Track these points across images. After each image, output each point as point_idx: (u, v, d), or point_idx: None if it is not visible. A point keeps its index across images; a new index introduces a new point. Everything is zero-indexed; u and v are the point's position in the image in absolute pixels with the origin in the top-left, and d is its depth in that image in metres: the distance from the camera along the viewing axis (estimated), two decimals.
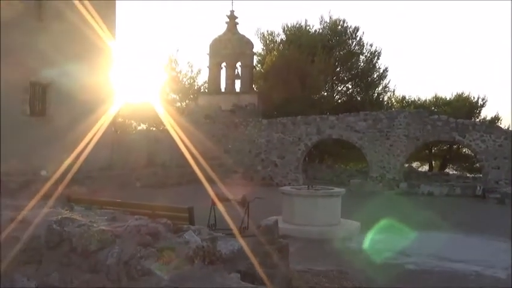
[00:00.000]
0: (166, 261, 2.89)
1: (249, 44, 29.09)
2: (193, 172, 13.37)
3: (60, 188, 12.28)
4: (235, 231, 7.45)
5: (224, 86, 29.34)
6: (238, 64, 29.14)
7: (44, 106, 16.47)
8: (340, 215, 10.46)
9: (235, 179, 21.64)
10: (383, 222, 10.78)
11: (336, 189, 10.81)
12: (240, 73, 29.22)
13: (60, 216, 3.28)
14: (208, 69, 29.45)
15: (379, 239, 9.68)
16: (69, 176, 12.28)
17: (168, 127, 17.93)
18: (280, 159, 22.59)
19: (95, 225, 3.17)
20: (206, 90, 30.95)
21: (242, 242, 4.07)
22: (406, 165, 23.70)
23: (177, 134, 16.45)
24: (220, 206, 8.57)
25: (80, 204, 5.15)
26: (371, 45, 32.15)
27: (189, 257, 2.91)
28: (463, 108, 28.64)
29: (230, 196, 9.45)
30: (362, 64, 32.05)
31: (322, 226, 9.95)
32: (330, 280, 5.55)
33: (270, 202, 11.13)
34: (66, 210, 3.64)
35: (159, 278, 2.82)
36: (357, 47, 32.00)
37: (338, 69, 31.79)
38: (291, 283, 4.82)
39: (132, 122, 32.19)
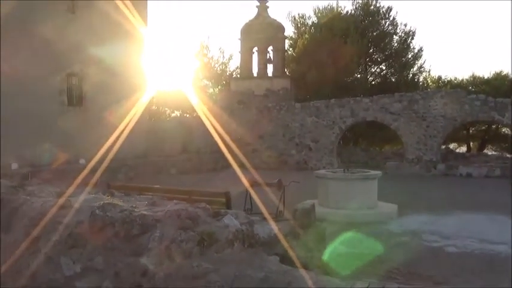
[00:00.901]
0: (206, 245, 2.93)
1: (281, 28, 28.89)
2: (228, 158, 13.46)
3: (99, 176, 12.58)
4: (272, 215, 7.48)
5: (256, 70, 29.28)
6: (270, 48, 29.01)
7: (80, 97, 16.79)
8: (377, 198, 10.37)
9: (269, 163, 21.69)
10: (421, 203, 10.65)
11: (372, 172, 10.70)
12: (271, 57, 29.08)
13: (102, 202, 3.35)
14: (239, 54, 29.42)
15: (419, 221, 9.56)
16: (107, 164, 12.55)
17: (200, 114, 18.06)
18: (314, 143, 22.49)
19: (136, 210, 3.22)
20: (238, 76, 30.95)
21: (279, 225, 4.08)
22: (443, 146, 23.24)
23: (210, 120, 16.54)
24: (255, 191, 8.60)
25: (118, 191, 5.24)
26: (405, 25, 31.62)
27: (228, 241, 2.94)
28: (502, 87, 27.80)
29: (265, 180, 9.46)
30: (396, 44, 31.45)
31: (359, 209, 9.89)
32: (368, 263, 5.52)
33: (305, 186, 11.11)
34: (108, 196, 3.71)
35: (200, 261, 2.86)
36: (390, 27, 31.40)
37: (371, 50, 31.31)
38: (327, 266, 4.81)
39: (166, 109, 32.54)
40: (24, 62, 14.00)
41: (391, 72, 32.07)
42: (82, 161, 14.29)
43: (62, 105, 15.87)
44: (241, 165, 12.45)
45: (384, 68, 32.36)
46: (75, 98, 16.59)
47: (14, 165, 13.49)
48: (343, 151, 24.71)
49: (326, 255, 3.32)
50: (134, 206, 3.36)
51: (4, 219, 3.71)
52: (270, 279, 2.72)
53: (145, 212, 3.18)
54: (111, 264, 3.16)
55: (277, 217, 7.17)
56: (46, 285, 3.46)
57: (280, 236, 3.80)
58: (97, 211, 3.25)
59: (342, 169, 10.97)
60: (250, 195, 8.80)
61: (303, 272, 2.80)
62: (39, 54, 14.46)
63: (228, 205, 6.57)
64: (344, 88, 26.02)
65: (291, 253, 3.85)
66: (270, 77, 28.91)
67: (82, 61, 15.97)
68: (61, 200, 3.51)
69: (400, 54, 31.08)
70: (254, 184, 8.88)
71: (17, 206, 3.65)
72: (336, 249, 3.32)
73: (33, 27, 14.16)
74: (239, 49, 29.36)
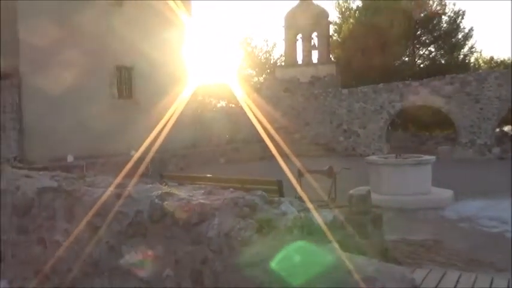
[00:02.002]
0: (265, 232, 2.91)
1: (325, 13, 28.50)
2: (275, 146, 13.43)
3: (150, 166, 12.83)
4: (324, 202, 7.42)
5: (301, 58, 29.05)
6: (314, 35, 28.68)
7: (130, 89, 17.13)
8: (430, 184, 10.11)
9: (317, 151, 21.53)
10: (477, 188, 10.30)
11: (425, 157, 10.44)
12: (316, 44, 28.77)
13: (160, 192, 3.39)
14: (284, 42, 29.25)
15: (476, 206, 9.27)
16: (157, 155, 12.76)
17: (243, 104, 18.09)
18: (362, 129, 22.15)
19: (193, 199, 3.24)
20: (283, 64, 30.80)
21: (334, 212, 4.03)
22: (498, 129, 22.42)
23: (254, 109, 16.53)
24: (305, 179, 8.55)
25: (171, 181, 5.30)
26: (454, 5, 30.52)
27: (287, 228, 2.91)
28: None
29: (315, 168, 9.39)
30: (445, 25, 30.46)
31: (413, 195, 9.68)
32: (426, 250, 5.39)
33: (356, 173, 10.96)
34: (165, 185, 3.75)
35: (260, 249, 2.85)
36: (438, 8, 30.42)
37: (419, 32, 30.44)
38: (387, 253, 4.72)
39: (211, 100, 32.79)
40: (75, 56, 14.37)
41: (440, 53, 31.14)
42: (133, 152, 14.59)
43: (113, 97, 16.24)
44: (288, 154, 12.40)
45: (432, 49, 31.46)
46: (125, 90, 16.94)
47: (70, 158, 13.93)
48: (392, 137, 24.24)
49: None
50: (191, 195, 3.38)
51: (67, 210, 3.82)
52: (327, 267, 2.68)
53: (203, 201, 3.19)
54: (171, 253, 3.21)
55: (330, 204, 7.11)
56: (109, 273, 3.55)
57: (338, 223, 3.75)
58: (156, 200, 3.29)
59: (394, 155, 10.75)
60: (301, 183, 8.75)
61: (362, 259, 2.74)
62: (89, 48, 14.81)
63: (280, 193, 6.56)
64: (391, 72, 25.46)
65: (349, 240, 3.80)
66: (315, 63, 28.62)
67: (130, 53, 16.26)
68: (120, 190, 3.58)
69: (449, 34, 30.12)
70: (304, 172, 8.84)
71: (78, 196, 3.74)
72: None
73: (82, 22, 14.51)
74: (283, 37, 29.19)
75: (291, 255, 3.24)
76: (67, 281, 3.80)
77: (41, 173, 4.76)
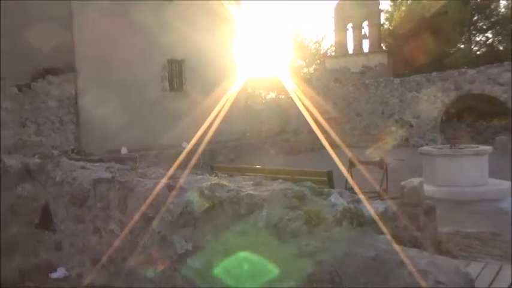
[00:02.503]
0: (314, 223, 2.90)
1: (376, 2, 27.92)
2: (326, 137, 13.32)
3: (201, 157, 13.01)
4: (375, 194, 7.31)
5: (351, 47, 28.63)
6: (365, 23, 28.17)
7: (180, 82, 17.40)
8: (487, 175, 9.75)
9: (369, 141, 21.19)
10: None
11: (482, 147, 10.07)
12: (367, 33, 28.26)
13: (210, 183, 3.43)
14: (334, 32, 28.90)
15: None
16: (207, 146, 12.93)
17: (293, 95, 18.00)
18: (415, 119, 21.62)
19: (242, 190, 3.26)
20: (333, 54, 30.46)
21: (386, 204, 3.95)
22: None
23: (304, 100, 16.43)
24: (356, 170, 8.45)
25: (221, 172, 5.35)
26: None
27: (337, 219, 2.88)
28: None
29: (366, 159, 9.26)
30: (503, 10, 29.18)
31: (468, 187, 9.36)
32: (483, 242, 5.21)
33: (408, 164, 10.73)
34: (214, 176, 3.80)
35: (309, 240, 2.84)
36: None
37: (475, 18, 29.30)
38: (440, 246, 4.60)
39: (261, 91, 32.85)
40: (127, 52, 14.72)
41: (498, 40, 29.86)
42: (184, 144, 14.84)
43: (164, 90, 16.54)
44: (339, 145, 12.27)
45: (490, 36, 30.22)
46: (176, 83, 17.22)
47: (124, 150, 14.33)
48: (447, 127, 23.53)
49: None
50: (240, 186, 3.40)
51: (120, 200, 3.93)
52: (381, 259, 2.64)
53: (252, 192, 3.21)
54: (221, 243, 3.25)
55: (381, 196, 6.99)
56: (160, 262, 3.64)
57: (389, 215, 3.68)
58: (206, 191, 3.33)
59: (449, 145, 10.44)
60: (351, 174, 8.66)
61: (415, 251, 2.68)
62: (141, 42, 15.13)
63: (330, 184, 6.50)
64: (446, 60, 24.65)
65: (401, 232, 3.72)
66: (365, 53, 28.15)
67: (181, 47, 16.50)
68: (171, 181, 3.64)
69: (508, 20, 28.79)
70: (355, 163, 8.73)
71: (131, 187, 3.84)
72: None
73: (135, 17, 14.83)
74: (333, 27, 28.84)
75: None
76: (122, 269, 3.92)
77: (96, 164, 4.92)
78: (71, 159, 5.42)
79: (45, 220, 4.53)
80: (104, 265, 4.04)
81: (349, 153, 9.40)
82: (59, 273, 4.34)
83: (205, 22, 17.28)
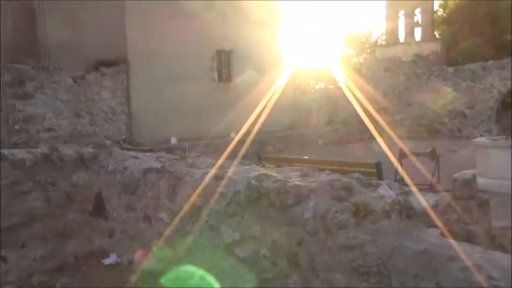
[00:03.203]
0: (362, 215, 2.86)
1: None
2: (375, 128, 13.11)
3: (249, 148, 13.08)
4: (426, 186, 7.15)
5: (403, 35, 27.94)
6: (418, 11, 27.40)
7: (229, 72, 17.51)
8: None
9: (420, 132, 20.70)
10: None
11: None
12: (419, 20, 27.49)
13: (257, 173, 3.44)
14: (385, 20, 28.29)
15: None
16: (255, 136, 12.97)
17: (342, 85, 17.77)
18: (469, 110, 20.91)
19: (289, 180, 3.26)
20: (384, 43, 29.84)
21: (437, 196, 3.86)
22: None
23: (354, 90, 16.20)
24: (407, 161, 8.28)
25: (269, 162, 5.36)
26: None
27: (385, 212, 2.83)
28: None
29: (417, 150, 9.05)
30: None
31: None
32: None
33: (460, 155, 10.41)
34: (262, 167, 3.81)
35: (356, 232, 2.81)
36: None
37: None
38: (494, 240, 4.45)
39: (310, 82, 32.61)
40: (177, 43, 14.94)
41: None
42: (233, 134, 14.96)
43: (213, 81, 16.70)
44: (389, 135, 12.04)
45: None
46: (224, 74, 17.35)
47: (174, 140, 14.58)
48: (503, 117, 22.62)
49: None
50: (287, 176, 3.39)
51: (170, 189, 4.00)
52: (430, 252, 2.58)
53: (299, 183, 3.20)
54: (267, 233, 3.26)
55: (433, 188, 6.83)
56: (208, 250, 3.69)
57: (441, 208, 3.60)
58: (253, 181, 3.35)
59: (505, 136, 10.04)
60: (401, 165, 8.49)
61: (467, 245, 2.60)
62: (191, 34, 15.30)
63: (379, 175, 6.40)
64: (503, 48, 23.68)
65: (453, 225, 3.63)
66: (418, 41, 27.40)
67: (230, 38, 16.59)
68: (219, 171, 3.68)
69: None
70: (405, 154, 8.55)
71: (181, 177, 3.91)
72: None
73: (185, 7, 14.99)
74: (384, 14, 28.22)
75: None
76: (171, 256, 4.01)
77: (146, 154, 5.03)
78: (122, 148, 5.57)
79: (99, 208, 4.68)
80: (154, 252, 4.14)
81: (399, 144, 9.22)
82: (111, 259, 4.48)
83: (254, 13, 17.28)
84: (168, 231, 3.97)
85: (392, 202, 2.87)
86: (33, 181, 4.34)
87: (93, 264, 4.46)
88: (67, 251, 4.56)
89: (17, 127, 11.44)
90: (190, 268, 3.03)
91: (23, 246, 4.30)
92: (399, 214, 2.81)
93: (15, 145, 10.69)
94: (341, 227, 2.86)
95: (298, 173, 3.57)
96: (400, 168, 8.51)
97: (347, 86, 17.38)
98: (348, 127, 21.08)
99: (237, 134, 14.07)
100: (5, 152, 4.31)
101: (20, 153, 4.39)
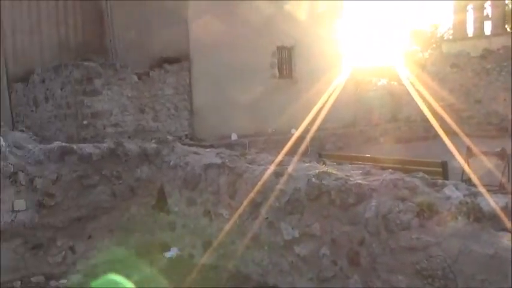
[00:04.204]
0: (426, 216, 2.77)
1: None
2: (440, 125, 12.67)
3: (309, 145, 12.99)
4: (494, 187, 6.82)
5: (471, 30, 26.85)
6: (488, 4, 26.23)
7: (290, 69, 17.44)
8: None
9: (489, 131, 19.83)
10: None
11: None
12: (489, 14, 26.32)
13: (317, 171, 3.40)
14: (452, 14, 27.29)
15: None
16: (315, 133, 12.85)
17: (406, 81, 17.30)
18: None
19: (351, 179, 3.20)
20: (450, 37, 28.80)
21: (508, 198, 3.67)
22: None
23: (418, 87, 15.74)
24: (474, 161, 7.94)
25: (329, 160, 5.29)
26: None
27: (451, 213, 2.73)
28: None
29: (485, 149, 8.66)
30: None
31: None
32: None
33: None
34: (322, 164, 3.76)
35: (420, 233, 2.73)
36: None
37: None
38: None
39: (372, 78, 31.95)
40: (239, 40, 15.03)
41: None
42: (293, 130, 14.89)
43: (274, 77, 16.69)
44: (455, 134, 11.61)
45: None
46: (285, 70, 17.30)
47: (234, 136, 14.70)
48: None
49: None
50: (349, 175, 3.33)
51: (230, 185, 4.03)
52: (500, 257, 2.47)
53: (360, 181, 3.13)
54: (327, 232, 3.22)
55: (502, 189, 6.51)
56: (268, 247, 3.69)
57: (511, 210, 3.42)
58: (313, 179, 3.32)
59: None
60: (469, 165, 8.15)
61: None
62: (252, 31, 15.36)
63: (445, 175, 6.17)
64: None
65: None
66: (487, 35, 26.23)
67: (290, 34, 16.51)
68: (279, 168, 3.67)
69: None
70: (473, 153, 8.20)
71: (240, 173, 3.93)
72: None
73: (247, 3, 15.05)
74: (452, 8, 27.22)
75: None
76: (230, 252, 4.04)
77: (207, 150, 5.10)
78: (184, 144, 5.67)
79: (161, 202, 4.79)
80: (213, 247, 4.19)
81: (466, 142, 8.85)
82: (172, 252, 4.57)
83: (315, 8, 17.14)
84: (227, 227, 4.00)
85: (459, 203, 2.76)
86: (100, 175, 4.50)
87: (155, 256, 4.57)
88: (131, 243, 4.69)
89: (85, 122, 11.90)
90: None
91: (90, 237, 4.47)
92: (466, 216, 2.70)
93: (84, 140, 11.12)
94: (404, 228, 2.78)
95: (360, 171, 3.50)
96: (467, 168, 8.17)
97: (411, 83, 16.91)
98: (411, 125, 20.51)
99: (296, 130, 14.00)
100: (74, 146, 4.49)
101: (87, 148, 4.56)
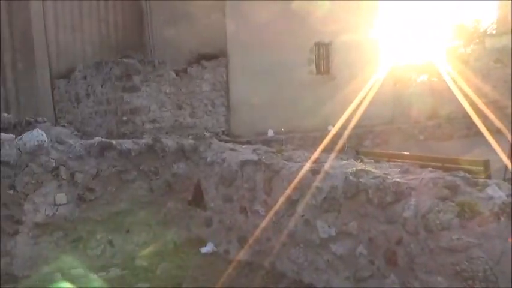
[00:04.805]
0: (467, 216, 2.69)
1: None
2: (483, 123, 12.32)
3: (346, 142, 12.86)
4: None
5: None
6: None
7: (327, 65, 17.30)
8: None
9: None
10: None
11: None
12: None
13: (355, 168, 3.36)
14: (496, 6, 26.50)
15: None
16: (353, 130, 12.72)
17: (447, 77, 16.86)
18: None
19: (389, 177, 3.14)
20: (494, 32, 27.95)
21: None
22: None
23: (460, 83, 15.33)
24: None
25: (367, 157, 5.23)
26: None
27: (494, 214, 2.64)
28: None
29: None
30: None
31: None
32: None
33: None
34: (360, 162, 3.71)
35: (461, 234, 2.65)
36: None
37: None
38: None
39: (411, 74, 31.34)
40: (276, 36, 14.99)
41: None
42: (330, 127, 14.77)
43: (311, 74, 16.59)
44: (499, 131, 11.27)
45: None
46: (322, 66, 17.16)
47: (270, 132, 14.69)
48: None
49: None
50: (387, 173, 3.27)
51: (266, 182, 4.02)
52: None
53: (399, 180, 3.07)
54: (364, 230, 3.17)
55: None
56: (303, 245, 3.67)
57: None
58: (350, 177, 3.27)
59: None
60: None
61: None
62: (290, 27, 15.29)
63: (487, 174, 5.99)
64: None
65: None
66: None
67: (328, 30, 16.35)
68: (315, 165, 3.64)
69: None
70: None
71: (277, 170, 3.92)
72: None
73: (284, 2, 15.00)
74: (496, 2, 26.43)
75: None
76: (266, 249, 4.04)
77: (244, 146, 5.11)
78: (220, 140, 5.70)
79: (197, 197, 4.82)
80: (249, 243, 4.19)
81: (511, 140, 8.59)
82: (208, 248, 4.61)
83: (353, 3, 16.92)
84: (263, 224, 4.00)
85: (503, 204, 2.67)
86: (138, 170, 4.57)
87: (191, 251, 4.61)
88: (167, 238, 4.75)
89: (124, 118, 12.11)
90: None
91: (127, 231, 4.55)
92: (509, 217, 2.61)
93: (123, 135, 11.32)
94: (444, 228, 2.71)
95: (398, 170, 3.43)
96: (510, 167, 7.92)
97: (452, 79, 16.48)
98: (452, 122, 20.03)
99: (334, 127, 13.87)
100: (113, 142, 4.57)
101: (126, 144, 4.63)
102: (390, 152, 8.22)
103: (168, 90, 12.86)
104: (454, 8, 30.92)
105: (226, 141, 6.07)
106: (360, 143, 15.27)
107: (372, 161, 4.21)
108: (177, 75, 13.09)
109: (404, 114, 19.84)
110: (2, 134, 4.15)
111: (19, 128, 10.62)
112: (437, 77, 26.12)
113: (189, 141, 4.99)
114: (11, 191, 3.96)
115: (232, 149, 4.80)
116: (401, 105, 20.19)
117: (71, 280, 4.00)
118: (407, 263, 2.91)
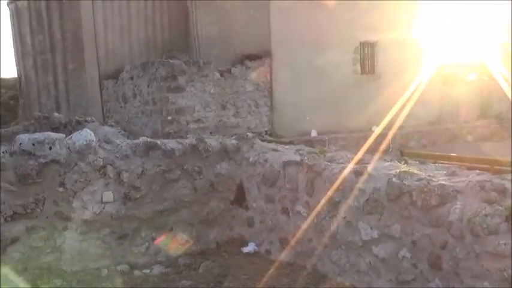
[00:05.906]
0: None
1: None
2: None
3: (391, 142, 12.67)
4: None
5: None
6: None
7: (372, 65, 17.07)
8: None
9: None
10: None
11: None
12: None
13: (398, 170, 3.31)
14: None
15: None
16: (398, 131, 12.52)
17: (498, 76, 16.33)
18: None
19: (434, 179, 3.08)
20: None
21: None
22: None
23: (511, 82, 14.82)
24: None
25: (412, 158, 5.13)
26: None
27: None
28: None
29: None
30: None
31: None
32: None
33: None
34: (404, 163, 3.65)
35: (509, 239, 2.57)
36: None
37: None
38: None
39: (459, 73, 30.49)
40: (321, 36, 14.90)
41: None
42: (374, 127, 14.57)
43: (355, 73, 16.42)
44: None
45: None
46: (367, 66, 16.95)
47: (313, 133, 14.61)
48: None
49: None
50: (432, 175, 3.21)
51: (308, 183, 4.01)
52: None
53: (444, 182, 3.00)
54: (408, 233, 3.12)
55: None
56: (345, 246, 3.64)
57: None
58: (394, 179, 3.22)
59: None
60: None
61: None
62: (335, 26, 15.18)
63: None
64: None
65: None
66: None
67: (374, 29, 16.14)
68: (358, 167, 3.60)
69: None
70: None
71: (319, 171, 3.90)
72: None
73: (330, 2, 14.91)
74: None
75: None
76: (307, 250, 4.03)
77: (286, 146, 5.11)
78: (263, 140, 5.72)
79: (240, 197, 4.86)
80: (291, 244, 4.20)
81: None
82: (250, 247, 4.64)
83: (398, 3, 16.64)
84: (305, 225, 3.99)
85: None
86: (182, 170, 4.64)
87: (233, 251, 4.65)
88: (210, 237, 4.81)
89: (169, 118, 12.32)
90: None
91: (171, 229, 4.63)
92: None
93: (168, 135, 11.52)
94: (491, 233, 2.64)
95: (444, 172, 3.36)
96: None
97: (504, 77, 15.96)
98: (502, 122, 19.38)
99: (378, 127, 13.68)
100: (158, 142, 4.67)
101: (171, 143, 4.72)
102: (436, 153, 8.03)
103: (212, 91, 12.99)
104: (507, 3, 29.79)
105: (268, 142, 6.09)
106: (405, 143, 15.00)
107: (417, 162, 4.13)
108: (221, 75, 13.21)
109: (452, 114, 19.34)
110: (53, 133, 4.30)
111: (69, 127, 11.00)
112: (487, 76, 25.34)
113: (232, 142, 5.03)
114: (61, 189, 4.11)
115: (274, 150, 4.81)
116: (450, 105, 19.69)
117: (117, 276, 4.11)
118: (452, 268, 2.84)
